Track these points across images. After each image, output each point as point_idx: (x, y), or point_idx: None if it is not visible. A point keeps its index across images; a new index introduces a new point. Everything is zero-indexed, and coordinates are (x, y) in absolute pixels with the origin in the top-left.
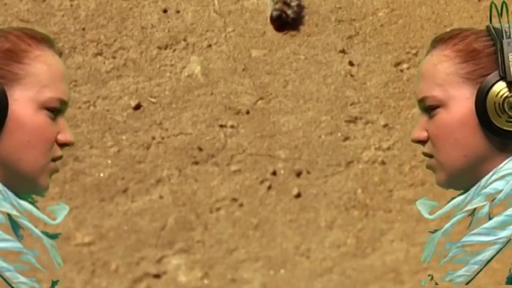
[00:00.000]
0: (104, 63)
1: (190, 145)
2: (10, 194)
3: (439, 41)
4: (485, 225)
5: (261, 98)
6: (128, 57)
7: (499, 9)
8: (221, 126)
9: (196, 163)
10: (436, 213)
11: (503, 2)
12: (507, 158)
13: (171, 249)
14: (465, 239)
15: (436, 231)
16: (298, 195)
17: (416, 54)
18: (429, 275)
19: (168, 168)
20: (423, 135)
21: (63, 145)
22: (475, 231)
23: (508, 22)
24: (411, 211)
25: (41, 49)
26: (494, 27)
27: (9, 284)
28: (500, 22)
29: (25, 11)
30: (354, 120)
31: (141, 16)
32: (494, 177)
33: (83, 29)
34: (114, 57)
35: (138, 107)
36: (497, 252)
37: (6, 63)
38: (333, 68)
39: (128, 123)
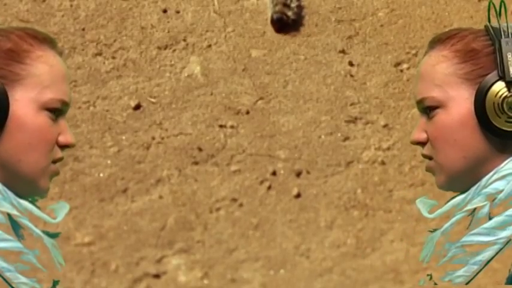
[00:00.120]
0: (104, 63)
1: (190, 145)
2: (10, 193)
3: (437, 41)
4: (485, 225)
5: (261, 98)
6: (128, 57)
7: (498, 8)
8: (221, 126)
9: (196, 163)
10: (435, 212)
11: (502, 1)
12: (507, 158)
13: (171, 249)
14: (465, 239)
15: (435, 230)
16: (298, 195)
17: (416, 55)
18: (428, 275)
19: (168, 168)
20: (422, 136)
21: (63, 147)
22: (475, 231)
23: (507, 21)
24: (411, 211)
25: (42, 49)
26: (492, 27)
27: (9, 285)
28: (498, 21)
29: (25, 11)
30: (353, 120)
31: (141, 16)
32: (495, 177)
33: (83, 29)
34: (114, 58)
35: (138, 107)
36: (497, 253)
37: (8, 63)
38: (333, 68)
39: (127, 123)
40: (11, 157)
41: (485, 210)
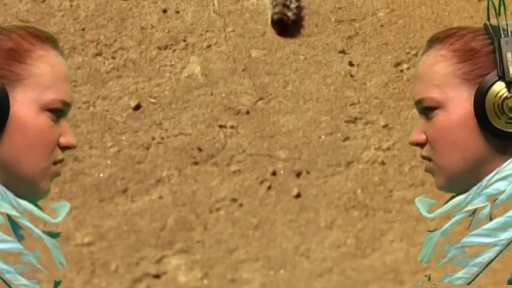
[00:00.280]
0: (104, 63)
1: (190, 145)
2: (9, 193)
3: (435, 40)
4: (486, 227)
5: (261, 98)
6: (128, 57)
7: (497, 7)
8: (221, 126)
9: (196, 163)
10: (435, 212)
11: (501, 0)
12: (508, 159)
13: (171, 250)
14: (465, 240)
15: (434, 230)
16: (298, 196)
17: (416, 55)
18: (426, 276)
19: (168, 169)
20: (421, 138)
21: (64, 148)
22: (475, 232)
23: (506, 20)
24: (411, 211)
25: (44, 49)
26: (491, 25)
27: (9, 286)
28: (497, 20)
29: (25, 11)
30: (353, 120)
31: (141, 16)
32: (496, 177)
33: (83, 29)
34: (113, 58)
35: (137, 107)
36: (498, 255)
37: (9, 63)
38: (333, 68)
39: (127, 123)
40: (12, 158)
41: (486, 211)
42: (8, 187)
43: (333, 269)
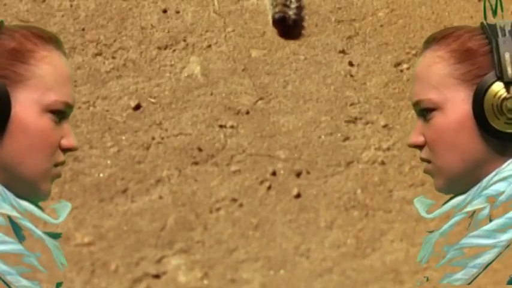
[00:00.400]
0: (104, 63)
1: (190, 145)
2: (9, 194)
3: (432, 41)
4: (485, 228)
5: (261, 98)
6: (128, 57)
7: (493, 6)
8: (221, 126)
9: (196, 163)
10: (434, 213)
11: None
12: (507, 160)
13: (171, 250)
14: (464, 241)
15: (434, 231)
16: (298, 196)
17: (416, 55)
18: (425, 277)
19: (168, 169)
20: (420, 139)
21: (66, 150)
22: (475, 233)
23: (503, 18)
24: (411, 211)
25: (47, 50)
26: (488, 25)
27: None
28: (494, 18)
29: (25, 11)
30: (353, 120)
31: (141, 16)
32: (496, 178)
33: (83, 29)
34: (113, 58)
35: (137, 107)
36: (497, 256)
37: (11, 63)
38: (333, 68)
39: (127, 123)
40: (13, 159)
41: (486, 212)
42: (9, 188)
43: (333, 269)
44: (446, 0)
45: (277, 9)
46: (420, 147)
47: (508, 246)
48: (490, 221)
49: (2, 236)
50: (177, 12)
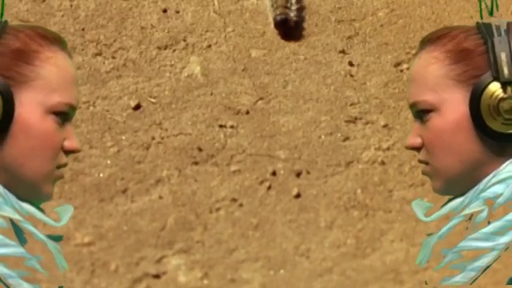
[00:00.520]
0: (104, 63)
1: (190, 145)
2: (11, 196)
3: (427, 41)
4: (484, 230)
5: (261, 98)
6: (128, 57)
7: (489, 5)
8: (221, 126)
9: (196, 163)
10: (432, 216)
11: None
12: (505, 161)
13: (171, 249)
14: (462, 244)
15: (432, 234)
16: (298, 196)
17: (416, 55)
18: (425, 282)
19: (168, 169)
20: (417, 141)
21: (68, 152)
22: (473, 236)
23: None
24: (411, 211)
25: (52, 50)
26: (484, 25)
27: None
28: (490, 18)
29: (25, 11)
30: (353, 120)
31: (141, 16)
32: (493, 180)
33: (83, 29)
34: (113, 58)
35: (137, 107)
36: (496, 259)
37: (16, 63)
38: (333, 68)
39: (127, 123)
40: (15, 161)
41: (484, 214)
42: (11, 190)
43: (333, 269)
44: (446, 0)
45: (278, 11)
46: (418, 149)
47: (507, 248)
48: (489, 223)
49: (4, 239)
50: (177, 12)
